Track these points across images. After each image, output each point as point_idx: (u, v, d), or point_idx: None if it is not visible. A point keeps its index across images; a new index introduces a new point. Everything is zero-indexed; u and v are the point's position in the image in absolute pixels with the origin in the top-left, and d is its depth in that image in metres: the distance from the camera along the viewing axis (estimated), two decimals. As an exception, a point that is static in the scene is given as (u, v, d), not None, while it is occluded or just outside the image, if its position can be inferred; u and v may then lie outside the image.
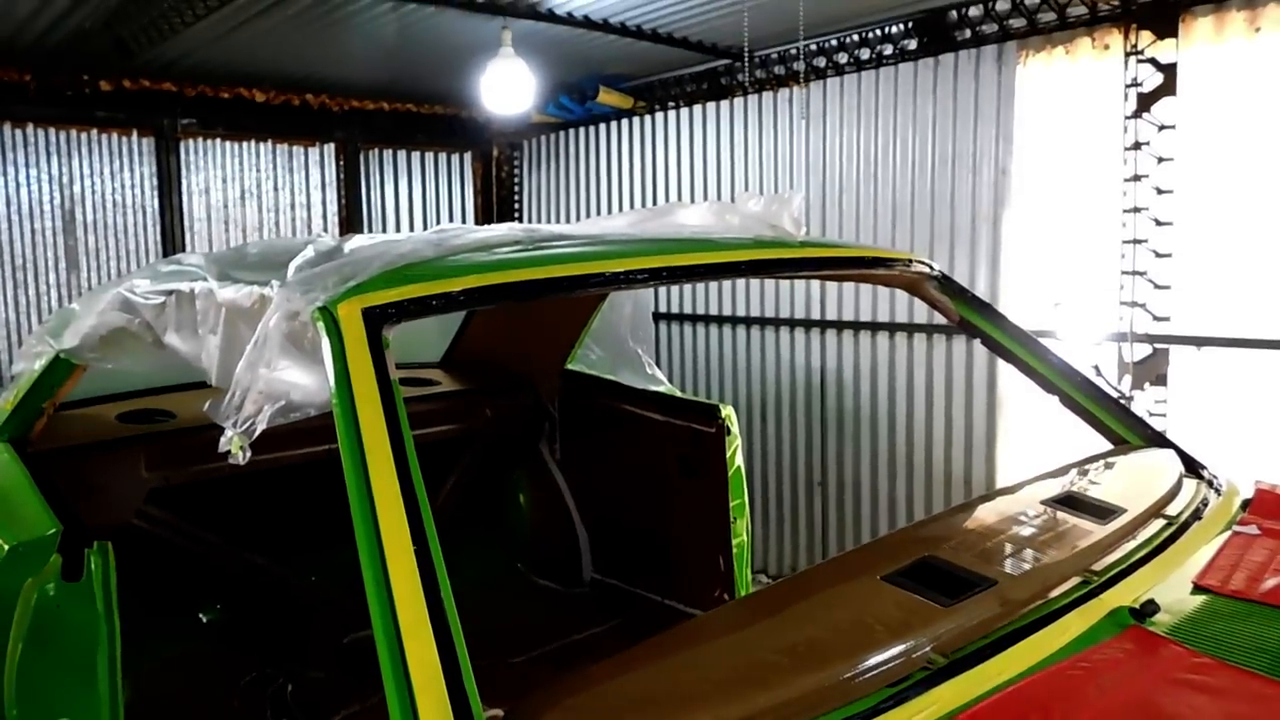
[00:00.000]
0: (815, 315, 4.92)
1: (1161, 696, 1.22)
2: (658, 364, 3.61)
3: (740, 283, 5.30)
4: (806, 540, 5.09)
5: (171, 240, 5.50)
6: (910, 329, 4.52)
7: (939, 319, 2.46)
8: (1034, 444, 4.02)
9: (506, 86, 4.61)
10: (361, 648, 1.17)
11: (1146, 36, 3.68)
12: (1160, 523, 1.79)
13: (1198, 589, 1.55)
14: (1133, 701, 1.21)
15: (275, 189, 5.87)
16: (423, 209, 6.47)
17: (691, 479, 3.16)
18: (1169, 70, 3.64)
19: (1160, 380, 3.75)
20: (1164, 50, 3.64)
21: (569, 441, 3.66)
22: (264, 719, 2.79)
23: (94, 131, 5.24)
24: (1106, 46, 3.80)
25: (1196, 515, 1.84)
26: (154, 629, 2.92)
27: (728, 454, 3.07)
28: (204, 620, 3.17)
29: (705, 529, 3.12)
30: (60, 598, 1.86)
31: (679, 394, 3.42)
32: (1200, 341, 3.63)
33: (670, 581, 3.31)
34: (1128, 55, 3.72)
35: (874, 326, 4.67)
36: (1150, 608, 1.45)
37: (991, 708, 1.21)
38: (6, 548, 2.05)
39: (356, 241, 1.78)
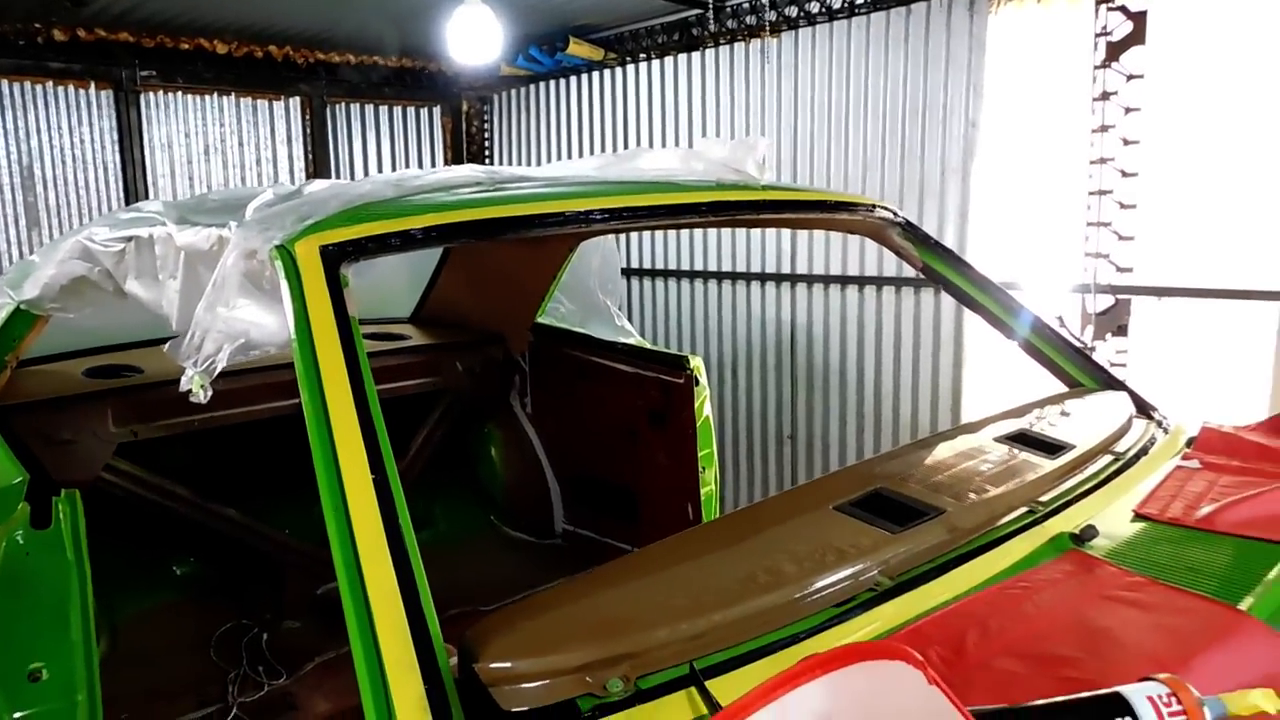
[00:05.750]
0: (786, 269, 4.93)
1: (1093, 610, 1.27)
2: (629, 320, 3.62)
3: (711, 237, 5.30)
4: (777, 493, 5.16)
5: (135, 196, 5.37)
6: (879, 282, 4.54)
7: (908, 271, 2.48)
8: (998, 395, 4.08)
9: (473, 35, 4.54)
10: (335, 599, 1.18)
11: (1117, -16, 3.68)
12: (1108, 458, 1.84)
13: (1137, 517, 1.60)
14: (1066, 615, 1.26)
15: (240, 144, 5.75)
16: (392, 164, 6.36)
17: (661, 430, 3.17)
18: (1138, 19, 3.63)
19: (1121, 330, 3.81)
20: (1134, -2, 3.65)
21: (539, 394, 3.66)
22: (240, 669, 2.82)
23: (49, 83, 5.08)
24: (1077, -5, 3.79)
25: (1143, 451, 1.90)
26: (129, 583, 2.98)
27: (696, 405, 3.08)
28: (178, 574, 3.19)
29: (674, 479, 3.14)
30: (30, 546, 1.88)
31: (648, 345, 3.43)
32: (1161, 292, 3.68)
33: (640, 531, 3.33)
34: (1098, 3, 3.71)
35: (843, 280, 4.69)
36: (1089, 533, 1.51)
37: (932, 623, 1.26)
38: None
39: (316, 185, 1.77)
